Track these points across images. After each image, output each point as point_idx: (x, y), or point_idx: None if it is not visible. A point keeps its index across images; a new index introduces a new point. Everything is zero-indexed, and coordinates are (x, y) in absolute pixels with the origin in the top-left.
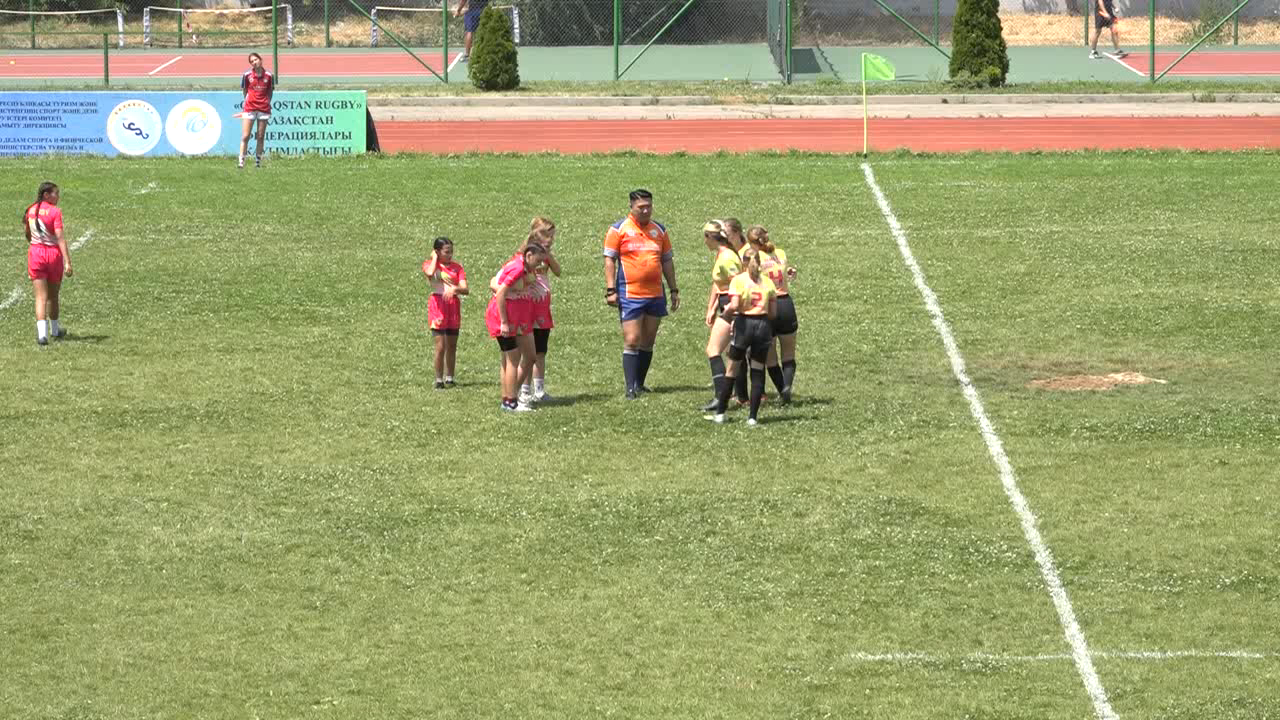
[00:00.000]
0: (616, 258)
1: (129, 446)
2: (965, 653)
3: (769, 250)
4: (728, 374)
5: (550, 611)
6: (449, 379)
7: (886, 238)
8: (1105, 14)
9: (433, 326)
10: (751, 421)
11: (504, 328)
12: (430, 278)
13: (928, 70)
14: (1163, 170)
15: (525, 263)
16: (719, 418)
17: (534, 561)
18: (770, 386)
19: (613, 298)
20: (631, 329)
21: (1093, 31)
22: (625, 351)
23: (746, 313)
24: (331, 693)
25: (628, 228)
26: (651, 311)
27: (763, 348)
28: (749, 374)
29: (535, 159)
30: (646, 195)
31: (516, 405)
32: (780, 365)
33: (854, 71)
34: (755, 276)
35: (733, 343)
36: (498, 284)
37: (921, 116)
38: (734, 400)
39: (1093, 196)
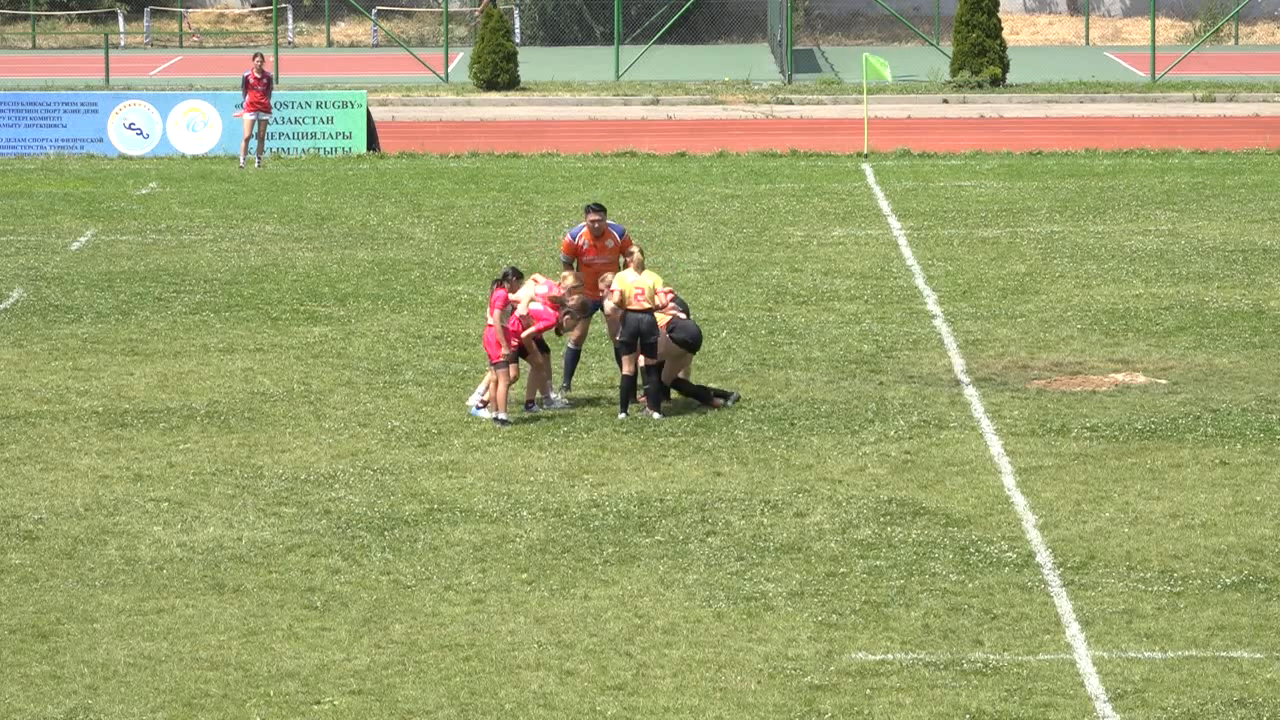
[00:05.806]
0: (571, 264)
1: (129, 446)
2: (966, 653)
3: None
4: (624, 371)
5: (551, 611)
6: (541, 400)
7: (887, 238)
8: None
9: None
10: (656, 415)
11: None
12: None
13: (928, 70)
14: (1163, 170)
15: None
16: (622, 415)
17: (535, 561)
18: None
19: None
20: (577, 328)
21: None
22: (569, 347)
23: (629, 308)
24: (332, 693)
25: (582, 239)
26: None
27: (650, 341)
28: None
29: (536, 159)
30: (597, 210)
31: (533, 407)
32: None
33: (855, 71)
34: (640, 269)
35: (620, 338)
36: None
37: (922, 116)
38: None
39: (1093, 196)
